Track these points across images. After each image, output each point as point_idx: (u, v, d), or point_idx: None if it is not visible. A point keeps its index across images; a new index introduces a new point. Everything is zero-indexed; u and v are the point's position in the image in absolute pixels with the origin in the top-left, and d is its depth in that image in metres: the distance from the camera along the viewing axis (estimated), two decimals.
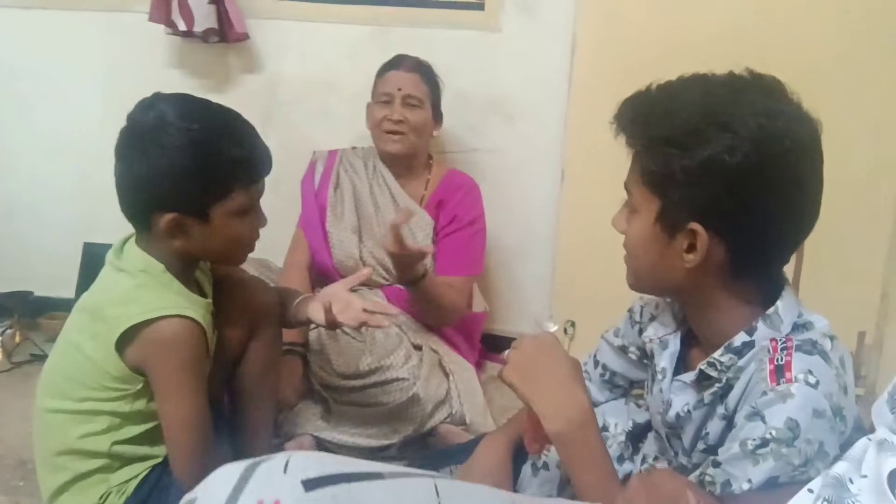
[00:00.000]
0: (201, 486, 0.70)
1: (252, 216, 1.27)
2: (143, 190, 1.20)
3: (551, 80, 2.30)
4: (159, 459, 1.26)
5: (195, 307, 1.23)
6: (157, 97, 1.23)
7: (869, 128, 2.07)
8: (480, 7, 2.33)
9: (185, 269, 1.27)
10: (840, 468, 0.70)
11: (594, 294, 1.95)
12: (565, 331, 2.38)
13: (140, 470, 1.24)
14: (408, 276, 1.78)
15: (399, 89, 2.01)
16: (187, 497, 0.70)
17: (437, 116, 2.12)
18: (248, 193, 1.24)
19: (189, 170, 1.17)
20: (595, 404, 1.30)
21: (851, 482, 0.69)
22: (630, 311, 1.27)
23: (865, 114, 2.05)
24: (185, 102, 1.23)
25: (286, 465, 0.68)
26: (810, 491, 0.72)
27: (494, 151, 2.41)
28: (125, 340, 1.18)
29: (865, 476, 0.67)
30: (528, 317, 2.48)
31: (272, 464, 0.69)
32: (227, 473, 0.69)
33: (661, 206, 0.97)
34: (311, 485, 0.67)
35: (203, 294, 1.33)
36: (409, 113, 2.01)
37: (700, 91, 0.96)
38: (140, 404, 1.23)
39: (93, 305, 1.24)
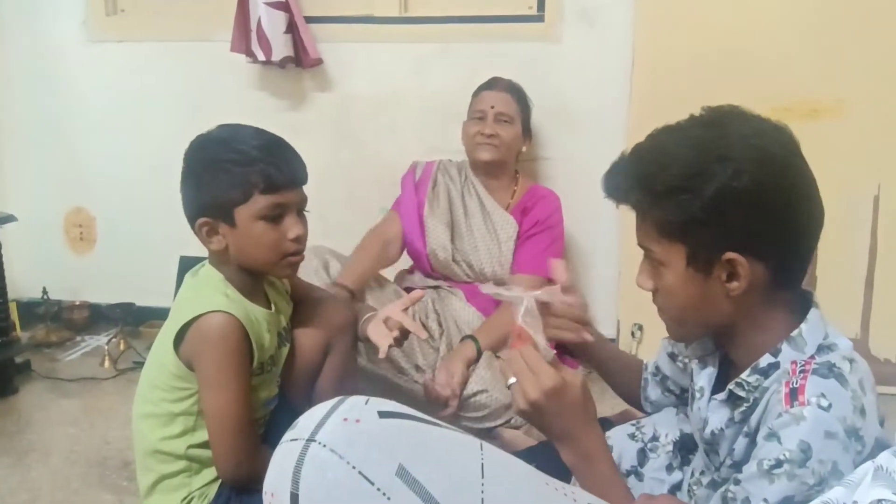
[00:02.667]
0: (305, 413, 0.87)
1: (283, 224, 1.31)
2: (185, 205, 1.33)
3: (612, 89, 2.34)
4: None
5: (244, 310, 1.31)
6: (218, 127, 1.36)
7: None
8: (540, 20, 2.40)
9: (248, 283, 1.37)
10: (835, 493, 0.73)
11: None
12: (632, 334, 2.44)
13: (216, 474, 1.33)
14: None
15: (492, 107, 2.16)
16: (296, 422, 0.87)
17: (527, 133, 2.25)
18: (271, 199, 1.28)
19: (205, 172, 1.29)
20: (648, 400, 1.36)
21: None
22: None
23: None
24: (221, 126, 1.35)
25: (367, 400, 0.87)
26: None
27: (559, 159, 2.48)
28: (179, 339, 1.29)
29: (856, 503, 0.70)
30: (596, 321, 2.52)
31: (357, 398, 0.88)
32: (324, 404, 0.87)
33: (688, 250, 0.99)
34: (384, 414, 0.85)
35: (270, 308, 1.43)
36: (501, 128, 2.14)
37: (681, 137, 0.99)
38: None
39: (169, 316, 1.37)
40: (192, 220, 1.33)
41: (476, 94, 2.24)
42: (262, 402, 1.41)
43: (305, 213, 1.37)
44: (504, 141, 2.15)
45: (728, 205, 0.95)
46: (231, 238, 1.31)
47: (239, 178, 1.27)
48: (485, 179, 2.23)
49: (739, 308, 1.01)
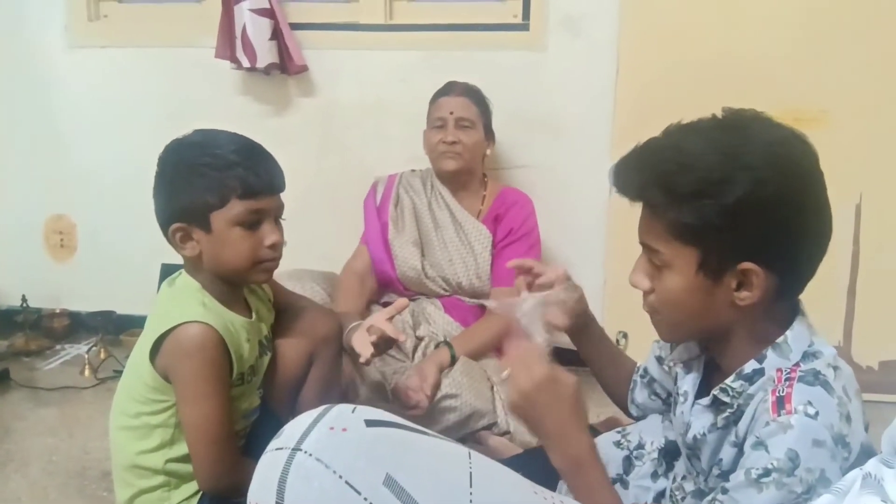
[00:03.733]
0: (290, 422, 0.87)
1: (259, 231, 1.30)
2: (157, 211, 1.31)
3: (597, 97, 2.35)
4: None
5: (222, 319, 1.28)
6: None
7: None
8: (525, 28, 2.40)
9: (227, 291, 1.34)
10: (823, 501, 0.73)
11: None
12: (617, 342, 2.44)
13: (197, 488, 1.31)
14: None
15: (451, 113, 2.11)
16: (282, 431, 0.86)
17: (489, 136, 2.21)
18: (248, 206, 1.27)
19: (179, 177, 1.27)
20: (634, 402, 1.36)
21: None
22: None
23: None
24: (196, 130, 1.33)
25: (354, 409, 0.87)
26: None
27: (544, 167, 2.48)
28: (155, 350, 1.27)
29: None
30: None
31: (343, 407, 0.88)
32: (310, 412, 0.87)
33: (700, 255, 0.97)
34: (371, 423, 0.85)
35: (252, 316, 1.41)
36: (463, 134, 2.10)
37: (703, 139, 0.97)
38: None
39: (145, 326, 1.34)
40: (165, 226, 1.30)
41: (433, 100, 2.19)
42: (242, 412, 1.39)
43: (282, 220, 1.36)
44: (467, 147, 2.10)
45: (749, 214, 0.93)
46: (206, 244, 1.29)
47: (216, 183, 1.25)
48: (453, 188, 2.19)
49: (741, 317, 1.00)
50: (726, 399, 1.02)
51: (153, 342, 1.26)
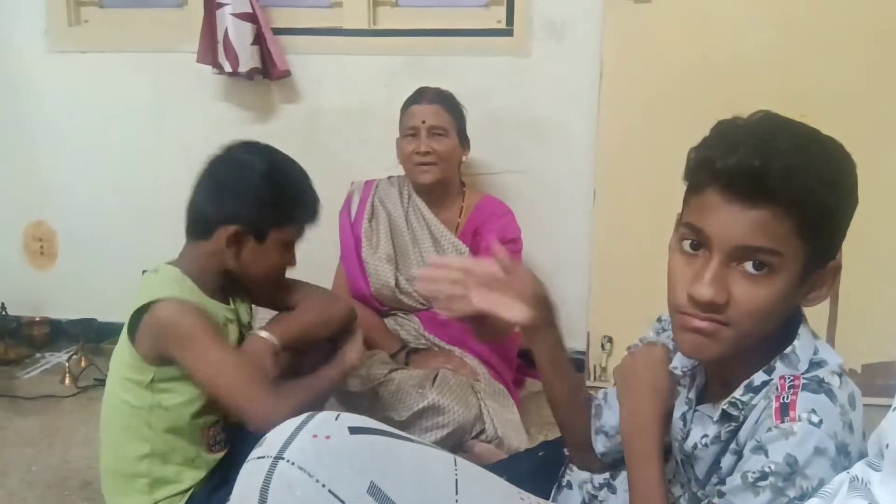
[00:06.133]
0: (272, 430, 0.86)
1: (290, 253, 1.44)
2: (222, 202, 1.36)
3: (580, 102, 2.35)
4: (194, 483, 1.36)
5: (199, 300, 1.32)
6: (252, 142, 1.44)
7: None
8: (509, 34, 2.41)
9: (214, 283, 1.38)
10: None
11: (630, 310, 1.99)
12: (602, 346, 2.44)
13: (176, 491, 1.33)
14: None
15: (423, 122, 2.06)
16: (264, 438, 0.86)
17: (464, 143, 2.16)
18: (299, 231, 1.43)
19: (266, 194, 1.36)
20: (602, 430, 1.28)
21: None
22: (659, 319, 1.25)
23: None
24: (273, 148, 1.45)
25: (337, 416, 0.87)
26: None
27: (528, 173, 2.47)
28: (133, 329, 1.29)
29: None
30: (566, 334, 2.52)
31: (327, 414, 0.87)
32: (293, 420, 0.86)
33: (809, 251, 0.90)
34: (355, 430, 0.85)
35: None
36: (436, 143, 2.05)
37: (794, 131, 0.92)
38: (157, 400, 1.31)
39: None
40: (217, 222, 1.34)
41: (405, 108, 2.14)
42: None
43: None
44: (441, 156, 2.05)
45: (849, 205, 0.92)
46: (251, 252, 1.36)
47: (299, 209, 1.40)
48: (429, 200, 2.14)
49: (781, 321, 0.96)
50: (735, 413, 0.99)
51: (130, 317, 1.29)
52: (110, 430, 1.38)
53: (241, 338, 1.44)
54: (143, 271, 2.55)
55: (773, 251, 0.89)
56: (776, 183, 0.86)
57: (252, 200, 1.36)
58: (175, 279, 1.34)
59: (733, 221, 0.89)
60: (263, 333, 1.41)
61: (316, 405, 0.98)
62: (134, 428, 1.32)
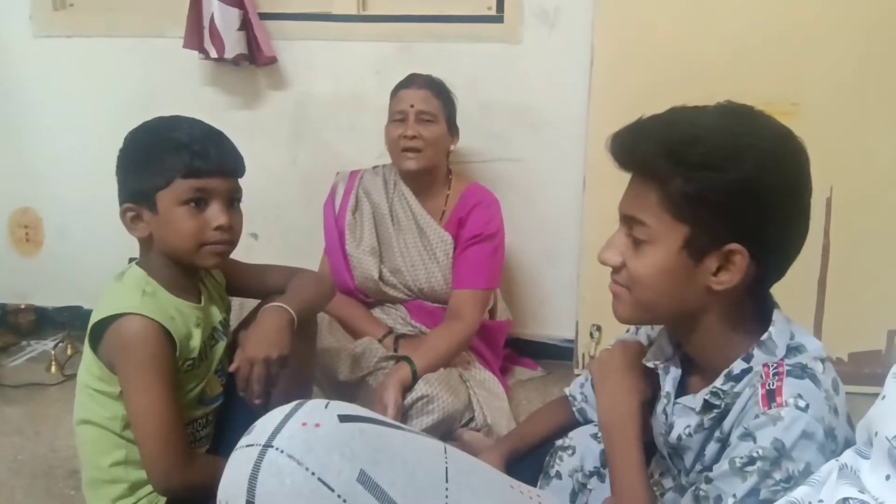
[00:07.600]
0: (262, 418, 0.86)
1: (207, 213, 1.29)
2: (118, 195, 1.33)
3: (572, 90, 2.34)
4: None
5: (162, 305, 1.28)
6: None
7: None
8: (500, 20, 2.39)
9: (176, 277, 1.33)
10: (800, 493, 0.74)
11: None
12: (591, 335, 2.45)
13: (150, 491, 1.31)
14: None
15: (412, 106, 2.03)
16: (252, 426, 0.85)
17: (453, 130, 2.14)
18: (192, 184, 1.27)
19: (131, 159, 1.30)
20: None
21: None
22: None
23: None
24: (159, 117, 1.35)
25: (327, 404, 0.87)
26: None
27: (518, 160, 2.46)
28: (97, 338, 1.26)
29: (822, 501, 0.70)
30: (555, 322, 2.53)
31: (317, 402, 0.88)
32: (282, 408, 0.86)
33: (689, 232, 0.96)
34: (345, 418, 0.85)
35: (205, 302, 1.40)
36: (424, 129, 2.03)
37: (711, 117, 0.97)
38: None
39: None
40: (120, 207, 1.32)
41: (394, 93, 2.11)
42: (194, 399, 1.37)
43: (240, 205, 1.37)
44: (428, 142, 2.02)
45: (749, 195, 0.93)
46: (153, 225, 1.29)
47: (162, 163, 1.27)
48: (415, 188, 2.12)
49: (710, 304, 1.00)
50: (716, 402, 1.01)
51: (90, 329, 1.27)
52: (83, 440, 1.34)
53: (211, 340, 1.39)
54: (130, 259, 2.54)
55: (640, 221, 0.99)
56: (640, 159, 0.97)
57: (122, 171, 1.31)
58: (139, 285, 1.29)
59: (625, 193, 1.03)
60: (281, 304, 1.40)
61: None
62: (107, 438, 1.30)
